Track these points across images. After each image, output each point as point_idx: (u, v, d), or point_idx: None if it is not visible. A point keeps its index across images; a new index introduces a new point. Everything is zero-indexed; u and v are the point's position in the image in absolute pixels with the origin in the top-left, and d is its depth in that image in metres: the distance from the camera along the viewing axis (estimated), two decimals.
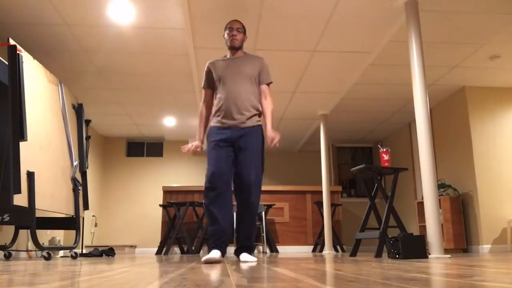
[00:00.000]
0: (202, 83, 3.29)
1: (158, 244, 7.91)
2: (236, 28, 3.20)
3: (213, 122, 3.20)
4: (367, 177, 4.24)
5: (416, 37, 3.63)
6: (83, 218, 4.90)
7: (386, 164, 4.01)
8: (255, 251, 6.76)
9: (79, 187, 4.52)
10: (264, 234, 6.20)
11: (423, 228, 6.29)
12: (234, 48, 3.23)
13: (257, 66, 3.24)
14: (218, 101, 3.18)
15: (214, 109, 3.24)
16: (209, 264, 2.39)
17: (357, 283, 1.09)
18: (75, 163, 4.55)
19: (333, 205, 6.87)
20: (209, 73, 3.25)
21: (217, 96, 3.21)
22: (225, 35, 3.24)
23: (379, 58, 5.02)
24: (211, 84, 3.26)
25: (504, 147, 5.80)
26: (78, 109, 4.81)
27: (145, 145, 8.93)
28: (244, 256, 3.01)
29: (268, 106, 3.23)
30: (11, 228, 4.75)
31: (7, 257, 4.24)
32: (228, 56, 3.25)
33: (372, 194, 4.20)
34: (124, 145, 8.83)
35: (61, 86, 4.45)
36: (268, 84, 3.26)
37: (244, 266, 2.16)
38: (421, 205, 6.35)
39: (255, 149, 3.17)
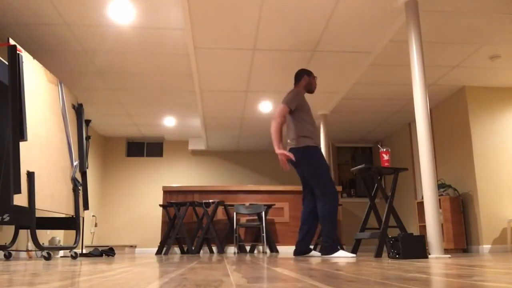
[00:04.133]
0: (294, 105, 3.85)
1: (158, 244, 7.91)
2: None
3: (313, 143, 3.80)
4: (367, 177, 4.24)
5: (416, 37, 3.63)
6: (83, 218, 4.90)
7: (386, 164, 4.01)
8: (255, 251, 6.76)
9: (79, 187, 4.52)
10: (264, 234, 6.20)
11: (423, 228, 6.28)
12: (311, 93, 4.12)
13: None
14: (312, 126, 3.87)
15: (309, 130, 3.83)
16: (209, 264, 2.39)
17: (357, 283, 1.09)
18: (75, 163, 4.55)
19: None
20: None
21: (306, 121, 3.85)
22: (312, 80, 4.05)
23: (379, 58, 5.02)
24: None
25: (504, 147, 5.80)
26: (78, 109, 4.81)
27: (145, 145, 8.93)
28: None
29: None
30: (11, 228, 4.75)
31: (7, 257, 4.24)
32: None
33: (372, 194, 4.20)
34: (124, 145, 8.83)
35: (61, 86, 4.45)
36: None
37: (244, 266, 2.15)
38: (421, 205, 6.35)
39: None
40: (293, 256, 3.77)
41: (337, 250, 3.70)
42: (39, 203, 3.69)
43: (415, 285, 1.02)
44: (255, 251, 6.75)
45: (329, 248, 3.69)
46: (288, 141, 3.95)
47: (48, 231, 5.89)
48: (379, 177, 4.08)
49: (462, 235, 5.74)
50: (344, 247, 7.12)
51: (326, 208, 3.70)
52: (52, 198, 3.97)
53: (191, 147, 8.70)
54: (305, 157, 3.78)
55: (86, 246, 7.38)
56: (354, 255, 3.67)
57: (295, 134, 3.86)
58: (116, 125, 7.90)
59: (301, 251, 3.87)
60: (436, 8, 4.01)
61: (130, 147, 8.90)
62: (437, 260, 2.71)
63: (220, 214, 6.82)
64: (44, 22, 4.26)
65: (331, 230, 3.68)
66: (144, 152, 8.89)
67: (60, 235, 6.21)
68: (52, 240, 5.58)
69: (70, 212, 4.34)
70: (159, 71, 5.45)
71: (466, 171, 5.87)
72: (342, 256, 3.62)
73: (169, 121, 7.63)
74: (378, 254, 3.65)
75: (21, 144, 3.48)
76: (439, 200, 5.82)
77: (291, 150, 3.86)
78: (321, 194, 3.74)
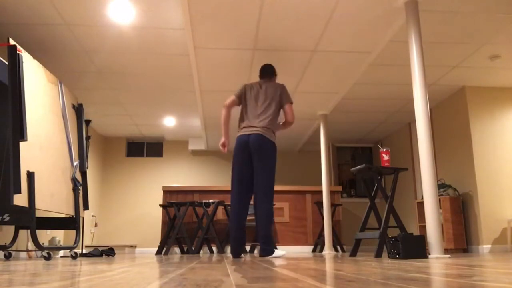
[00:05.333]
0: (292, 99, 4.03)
1: (158, 244, 7.91)
2: None
3: (275, 141, 3.87)
4: (367, 177, 4.24)
5: (416, 37, 3.63)
6: (83, 218, 4.90)
7: (386, 164, 4.01)
8: (255, 251, 6.76)
9: (79, 187, 4.52)
10: None
11: (423, 228, 6.29)
12: None
13: None
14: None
15: (279, 128, 3.99)
16: (209, 264, 2.39)
17: (357, 283, 1.09)
18: (75, 163, 4.55)
19: (333, 205, 6.87)
20: None
21: (278, 119, 4.01)
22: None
23: (379, 58, 5.02)
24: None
25: (504, 147, 5.80)
26: (78, 109, 4.81)
27: (145, 145, 8.93)
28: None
29: None
30: (11, 228, 4.75)
31: (7, 257, 4.24)
32: None
33: (372, 194, 4.20)
34: (124, 145, 8.83)
35: (61, 86, 4.45)
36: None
37: (244, 266, 2.16)
38: (421, 205, 6.35)
39: None
40: (286, 257, 3.74)
41: (274, 250, 3.66)
42: (39, 203, 3.69)
43: (415, 285, 1.02)
44: (255, 251, 6.75)
45: (270, 249, 3.61)
46: (258, 124, 3.78)
47: (48, 231, 5.89)
48: (379, 177, 4.08)
49: (462, 235, 5.74)
50: (344, 247, 7.12)
51: (269, 208, 3.64)
52: (52, 198, 3.97)
53: (191, 147, 8.70)
54: (270, 152, 3.71)
55: (86, 246, 7.38)
56: (285, 252, 3.75)
57: (269, 125, 3.79)
58: (116, 125, 7.90)
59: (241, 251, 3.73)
60: (436, 8, 4.01)
61: (130, 147, 8.90)
62: (437, 260, 2.71)
63: (220, 214, 6.82)
64: (44, 22, 4.26)
65: (271, 231, 3.65)
66: (144, 152, 8.89)
67: (60, 235, 6.21)
68: (52, 240, 5.57)
69: (70, 212, 4.34)
70: (159, 71, 5.45)
71: (466, 171, 5.87)
72: (279, 256, 3.64)
73: (169, 121, 7.63)
74: (378, 254, 3.65)
75: (21, 144, 3.48)
76: (439, 200, 5.82)
77: (259, 135, 3.72)
78: (266, 193, 3.67)
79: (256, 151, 3.71)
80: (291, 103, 3.93)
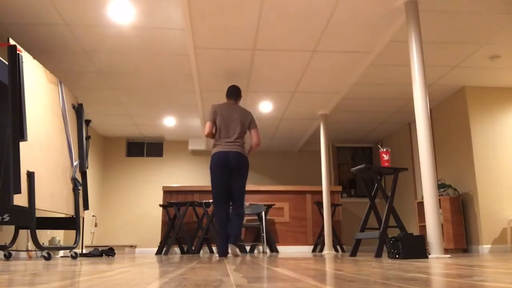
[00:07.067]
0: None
1: (158, 244, 7.90)
2: None
3: None
4: (367, 177, 4.24)
5: (416, 37, 3.63)
6: (83, 218, 4.90)
7: (386, 164, 4.01)
8: (255, 251, 6.76)
9: (79, 187, 4.52)
10: (264, 234, 6.20)
11: (423, 228, 6.29)
12: None
13: None
14: None
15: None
16: (209, 264, 2.39)
17: (357, 283, 1.09)
18: (75, 163, 4.55)
19: (333, 205, 6.87)
20: None
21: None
22: None
23: (379, 58, 5.02)
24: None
25: (504, 147, 5.80)
26: (78, 109, 4.81)
27: (145, 145, 8.93)
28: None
29: None
30: (11, 228, 4.75)
31: (7, 257, 4.24)
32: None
33: (372, 194, 4.20)
34: (124, 145, 8.83)
35: (61, 86, 4.45)
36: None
37: (244, 266, 2.15)
38: (421, 205, 6.35)
39: None
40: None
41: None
42: (39, 203, 3.69)
43: (415, 285, 1.02)
44: (255, 251, 6.75)
45: (239, 242, 4.28)
46: (236, 143, 4.28)
47: (48, 231, 5.89)
48: (379, 177, 4.08)
49: (462, 235, 5.74)
50: (344, 247, 7.12)
51: (244, 211, 4.29)
52: (52, 198, 3.97)
53: (191, 147, 8.69)
54: (247, 166, 4.29)
55: (86, 246, 7.38)
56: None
57: (243, 144, 4.35)
58: (116, 125, 7.90)
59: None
60: (436, 8, 4.01)
61: (130, 147, 8.90)
62: (437, 260, 2.71)
63: None
64: (44, 22, 4.26)
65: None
66: (144, 152, 8.89)
67: (60, 235, 6.21)
68: (52, 240, 5.57)
69: (70, 212, 4.34)
70: (159, 71, 5.45)
71: (466, 171, 5.87)
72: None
73: (169, 121, 7.63)
74: (378, 254, 3.65)
75: (21, 144, 3.48)
76: (439, 200, 5.82)
77: (239, 153, 4.23)
78: (242, 201, 4.29)
79: (236, 165, 4.22)
80: (257, 128, 4.41)
